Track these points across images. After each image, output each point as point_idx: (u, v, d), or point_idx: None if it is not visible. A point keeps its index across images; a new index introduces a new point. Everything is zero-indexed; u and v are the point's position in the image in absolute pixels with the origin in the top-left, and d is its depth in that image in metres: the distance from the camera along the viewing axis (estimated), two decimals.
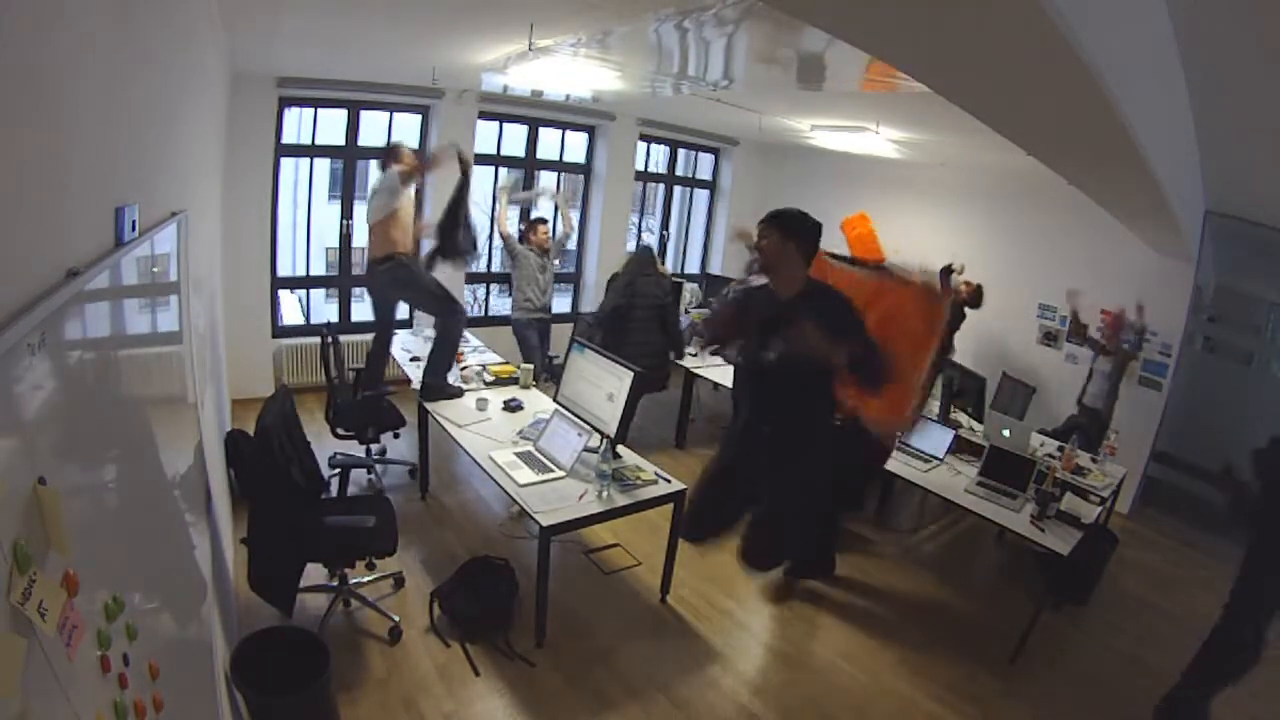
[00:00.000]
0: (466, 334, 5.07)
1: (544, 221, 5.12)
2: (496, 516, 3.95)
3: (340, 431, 3.85)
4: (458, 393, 3.84)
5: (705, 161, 7.84)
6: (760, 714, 2.72)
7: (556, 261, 5.25)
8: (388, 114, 5.50)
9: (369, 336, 4.64)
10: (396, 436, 4.33)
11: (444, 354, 3.81)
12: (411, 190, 3.90)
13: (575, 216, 6.07)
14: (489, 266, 6.63)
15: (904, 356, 2.77)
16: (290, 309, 5.55)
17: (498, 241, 5.28)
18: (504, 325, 5.57)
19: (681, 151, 7.58)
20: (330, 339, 3.85)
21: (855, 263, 3.44)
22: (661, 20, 2.49)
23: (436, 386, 3.78)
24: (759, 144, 7.56)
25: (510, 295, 5.27)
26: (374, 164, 4.03)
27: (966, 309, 4.66)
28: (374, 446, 4.31)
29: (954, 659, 3.16)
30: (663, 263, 5.12)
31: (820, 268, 3.16)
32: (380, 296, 4.22)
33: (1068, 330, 5.34)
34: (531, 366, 4.27)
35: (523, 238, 5.01)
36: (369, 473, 4.19)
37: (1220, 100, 2.82)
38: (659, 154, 7.51)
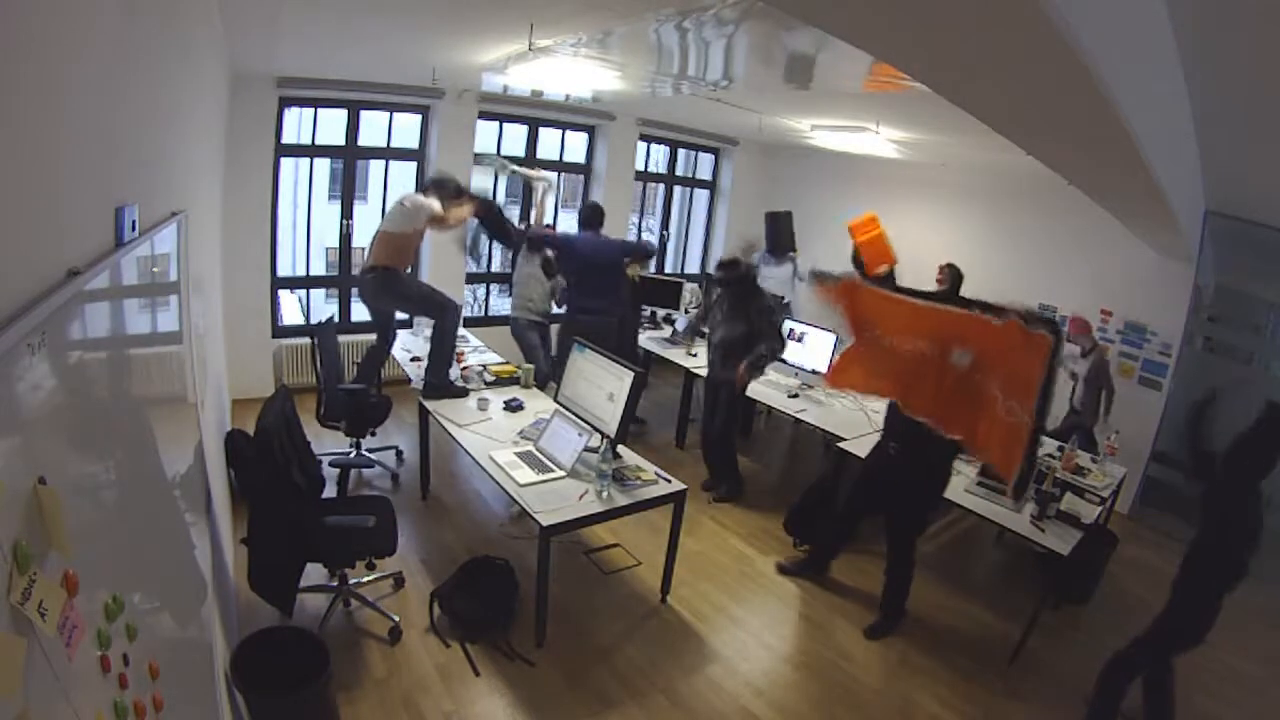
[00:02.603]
0: (466, 334, 5.08)
1: (552, 226, 5.16)
2: (496, 516, 3.95)
3: (329, 423, 3.92)
4: (461, 392, 3.84)
5: (705, 161, 7.84)
6: (761, 714, 2.72)
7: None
8: (388, 114, 5.50)
9: (365, 337, 4.65)
10: (373, 434, 4.29)
11: (442, 352, 3.81)
12: (424, 227, 3.87)
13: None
14: (489, 266, 6.62)
15: (1016, 403, 2.53)
16: (290, 309, 5.55)
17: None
18: (504, 325, 5.57)
19: (681, 151, 7.58)
20: (318, 337, 3.89)
21: (910, 292, 3.02)
22: (661, 20, 2.49)
23: (439, 385, 3.79)
24: (759, 144, 7.55)
25: (510, 294, 5.26)
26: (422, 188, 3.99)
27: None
28: (362, 441, 4.31)
29: (954, 659, 3.16)
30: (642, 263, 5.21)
31: (868, 301, 3.04)
32: (370, 303, 4.22)
33: (1067, 331, 5.34)
34: (533, 366, 4.27)
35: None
36: (359, 471, 4.21)
37: (1220, 100, 2.83)
38: (659, 154, 7.51)
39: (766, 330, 4.10)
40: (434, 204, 3.81)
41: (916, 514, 3.28)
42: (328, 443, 4.29)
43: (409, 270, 4.11)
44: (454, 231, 4.20)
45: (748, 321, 4.10)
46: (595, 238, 4.71)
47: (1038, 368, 2.40)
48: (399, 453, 4.49)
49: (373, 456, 4.31)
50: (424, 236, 3.97)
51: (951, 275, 4.78)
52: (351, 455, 4.19)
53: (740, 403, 4.35)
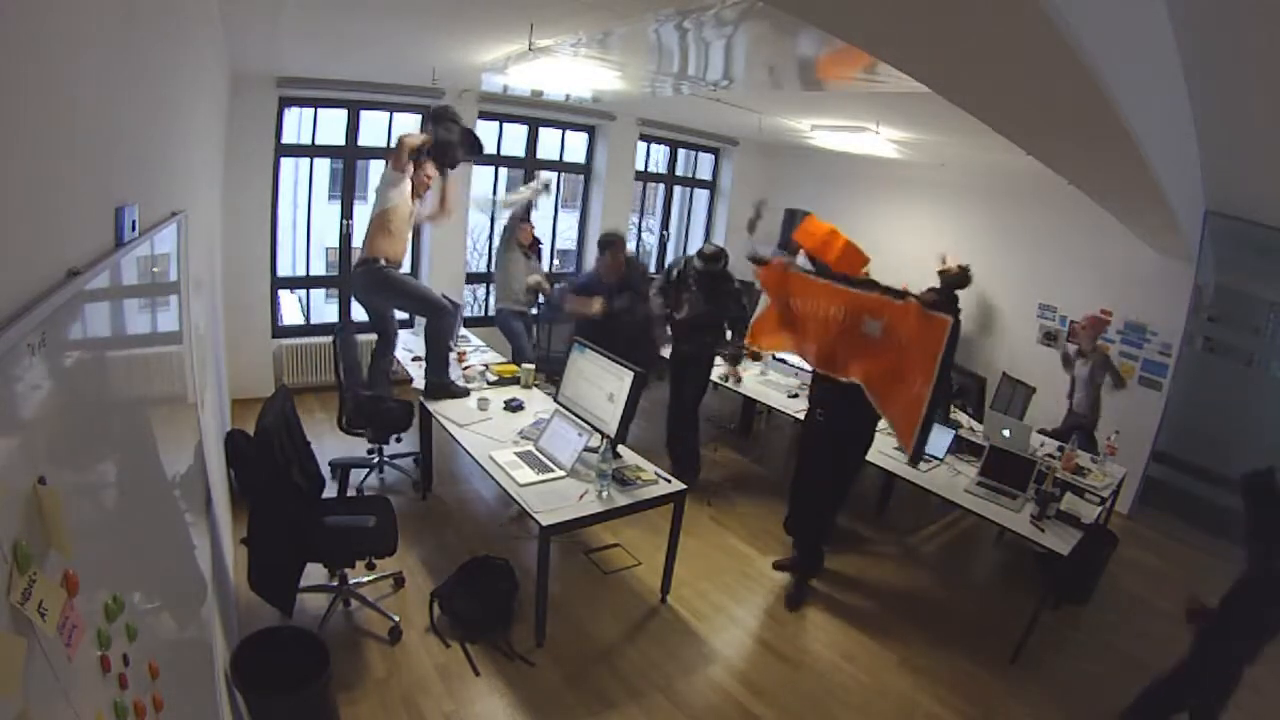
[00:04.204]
0: (468, 334, 5.08)
1: (528, 221, 5.29)
2: (497, 516, 3.95)
3: (355, 431, 3.89)
4: (463, 391, 3.84)
5: (705, 161, 7.84)
6: (761, 714, 2.72)
7: (538, 261, 5.40)
8: (388, 114, 5.50)
9: (370, 336, 4.62)
10: (399, 440, 4.21)
11: (438, 352, 3.79)
12: (406, 187, 3.69)
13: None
14: (488, 266, 6.62)
15: (906, 378, 2.80)
16: (290, 309, 5.55)
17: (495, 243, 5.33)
18: None
19: (681, 151, 7.58)
20: (339, 341, 3.89)
21: (834, 275, 3.33)
22: (661, 20, 2.49)
23: (440, 385, 3.79)
24: (759, 144, 7.56)
25: (494, 287, 5.41)
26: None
27: (957, 291, 4.61)
28: (384, 447, 4.27)
29: (954, 659, 3.16)
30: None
31: (794, 282, 3.33)
32: (362, 300, 4.09)
33: (1067, 332, 5.35)
34: (532, 367, 4.28)
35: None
36: (379, 472, 4.23)
37: (1220, 100, 2.83)
38: (659, 154, 7.51)
39: (735, 312, 4.38)
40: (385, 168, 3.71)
41: (842, 478, 3.44)
42: (331, 445, 4.26)
43: (400, 268, 3.90)
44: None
45: (719, 304, 4.30)
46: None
47: (936, 345, 2.68)
48: (417, 459, 4.27)
49: (398, 463, 4.34)
50: (410, 203, 3.75)
51: (958, 274, 4.76)
52: (374, 459, 4.22)
53: (705, 376, 4.49)
